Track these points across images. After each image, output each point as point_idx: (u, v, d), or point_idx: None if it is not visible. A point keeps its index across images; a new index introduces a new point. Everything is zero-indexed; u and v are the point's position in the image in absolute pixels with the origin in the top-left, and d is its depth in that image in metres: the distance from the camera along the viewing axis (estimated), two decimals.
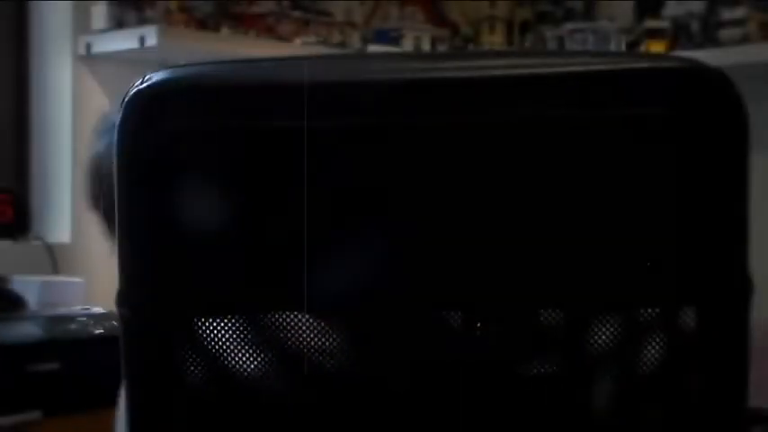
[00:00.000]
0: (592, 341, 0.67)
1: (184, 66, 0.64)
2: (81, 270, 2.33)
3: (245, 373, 0.68)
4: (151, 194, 0.65)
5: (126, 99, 0.63)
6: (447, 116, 0.63)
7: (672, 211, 0.65)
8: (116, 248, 1.05)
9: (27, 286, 2.12)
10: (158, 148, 0.64)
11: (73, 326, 1.94)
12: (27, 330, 2.04)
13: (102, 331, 1.91)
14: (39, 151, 2.54)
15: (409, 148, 0.64)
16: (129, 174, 0.64)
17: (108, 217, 1.08)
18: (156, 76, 0.63)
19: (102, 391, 1.74)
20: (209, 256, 0.66)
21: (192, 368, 0.68)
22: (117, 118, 0.63)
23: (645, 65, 0.64)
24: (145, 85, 0.63)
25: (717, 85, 0.63)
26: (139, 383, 0.68)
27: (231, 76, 0.64)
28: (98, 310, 2.01)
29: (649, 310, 0.67)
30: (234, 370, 0.68)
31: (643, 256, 0.65)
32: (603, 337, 0.67)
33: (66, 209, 2.51)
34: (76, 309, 2.05)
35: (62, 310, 2.02)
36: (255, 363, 0.68)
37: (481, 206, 0.65)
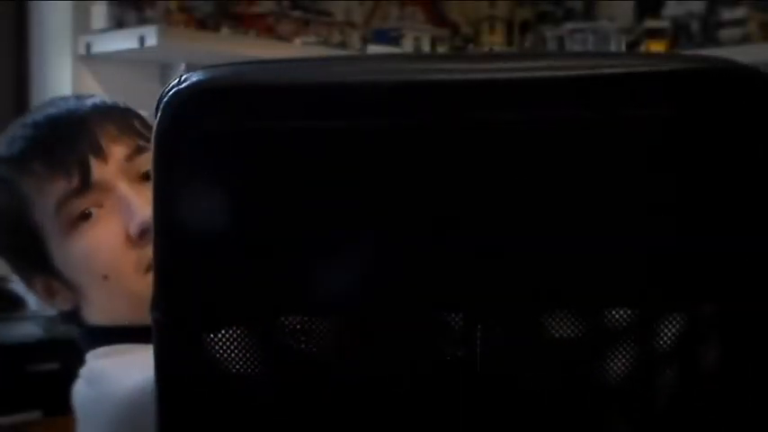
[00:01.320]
0: (653, 341, 0.67)
1: (222, 66, 0.63)
2: None
3: (260, 377, 0.68)
4: (188, 196, 0.64)
5: (165, 99, 0.62)
6: (454, 117, 0.63)
7: (697, 210, 0.65)
8: (32, 285, 1.00)
9: None
10: (196, 150, 0.63)
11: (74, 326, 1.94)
12: (27, 330, 2.04)
13: None
14: None
15: (406, 150, 0.64)
16: (166, 175, 0.63)
17: (10, 257, 0.99)
18: (194, 76, 0.62)
19: None
20: (245, 259, 0.65)
21: (217, 372, 0.67)
22: (155, 119, 0.62)
23: (683, 66, 0.64)
24: (183, 85, 0.61)
25: (748, 84, 0.63)
26: (172, 386, 0.68)
27: (268, 77, 0.63)
28: None
29: (707, 310, 0.67)
30: (250, 373, 0.68)
31: (666, 257, 0.65)
32: (662, 337, 0.67)
33: None
34: None
35: None
36: (272, 366, 0.68)
37: (489, 207, 0.65)
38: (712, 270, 0.65)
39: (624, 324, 0.67)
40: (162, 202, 0.63)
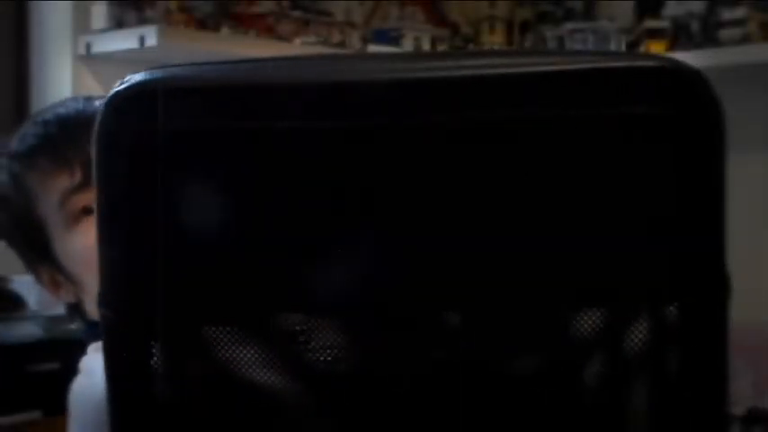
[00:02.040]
0: (573, 337, 0.67)
1: (165, 67, 0.65)
2: None
3: (229, 376, 0.68)
4: (129, 195, 0.66)
5: (105, 101, 0.64)
6: (429, 116, 0.63)
7: (648, 209, 0.65)
8: (40, 274, 1.05)
9: (27, 286, 2.12)
10: (132, 149, 0.65)
11: (73, 326, 1.94)
12: (27, 330, 2.04)
13: None
14: None
15: (399, 149, 0.64)
16: (106, 174, 0.65)
17: (18, 248, 1.06)
18: (134, 78, 0.64)
19: None
20: (187, 257, 0.66)
21: (172, 370, 0.68)
22: (96, 119, 0.64)
23: (620, 64, 0.64)
24: (123, 86, 0.64)
25: (693, 83, 0.63)
26: (121, 385, 0.69)
27: (208, 78, 0.65)
28: None
29: (631, 307, 0.67)
30: (218, 372, 0.68)
31: (620, 252, 0.65)
32: (586, 332, 0.67)
33: None
34: None
35: (62, 310, 2.01)
36: (242, 365, 0.68)
37: (463, 205, 0.65)
38: (687, 269, 0.65)
39: (597, 324, 0.67)
40: (100, 197, 0.65)
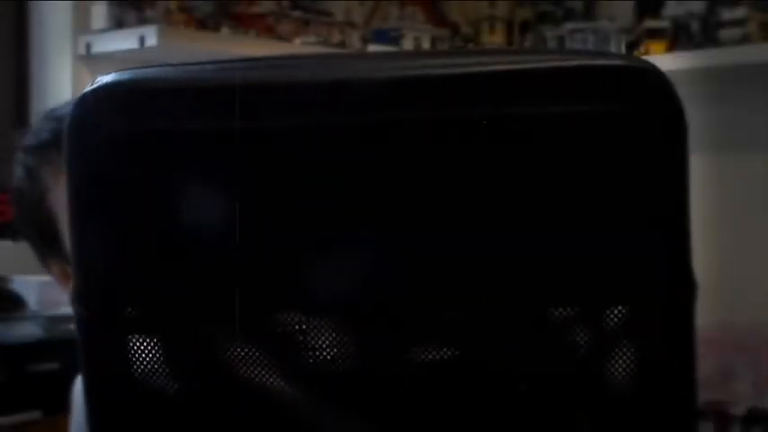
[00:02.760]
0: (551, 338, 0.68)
1: (135, 69, 0.66)
2: None
3: (205, 377, 0.69)
4: (98, 195, 0.67)
5: (75, 102, 0.65)
6: (424, 113, 0.64)
7: (609, 209, 0.65)
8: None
9: (27, 286, 2.12)
10: (99, 151, 0.66)
11: (73, 326, 1.94)
12: (27, 330, 2.04)
13: None
14: None
15: (397, 147, 0.64)
16: (74, 174, 0.66)
17: (31, 240, 1.08)
18: (103, 79, 0.65)
19: None
20: (158, 256, 0.67)
21: (150, 369, 0.68)
22: (66, 120, 0.65)
23: (575, 63, 0.64)
24: (91, 88, 0.65)
25: (653, 81, 0.63)
26: (97, 385, 0.69)
27: (168, 79, 0.66)
28: None
29: (585, 309, 0.67)
30: (211, 371, 0.69)
31: (581, 253, 0.65)
32: (557, 333, 0.68)
33: None
34: None
35: (62, 310, 2.01)
36: (221, 363, 0.68)
37: (456, 203, 0.65)
38: (649, 270, 0.65)
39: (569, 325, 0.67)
40: (72, 202, 0.66)
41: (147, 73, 0.65)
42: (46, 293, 2.11)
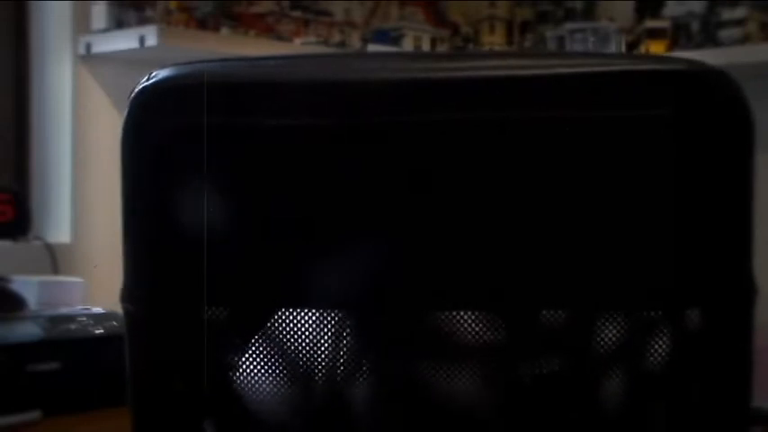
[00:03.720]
0: (595, 342, 0.67)
1: (190, 63, 0.65)
2: (81, 270, 2.33)
3: (250, 373, 0.68)
4: (153, 190, 0.66)
5: (131, 96, 0.64)
6: (444, 115, 0.63)
7: (675, 213, 0.64)
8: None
9: (27, 286, 2.12)
10: (160, 145, 0.65)
11: (73, 326, 1.94)
12: (27, 330, 2.04)
13: (102, 331, 1.91)
14: (39, 151, 2.54)
15: (399, 148, 0.64)
16: (132, 169, 0.65)
17: None
18: (161, 73, 0.64)
19: (102, 391, 1.73)
20: (209, 252, 0.66)
21: (197, 364, 0.68)
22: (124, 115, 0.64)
23: (647, 66, 0.64)
24: (150, 81, 0.63)
25: (720, 86, 0.63)
26: (144, 381, 0.69)
27: (234, 74, 0.65)
28: (98, 310, 2.01)
29: (654, 312, 0.67)
30: (238, 368, 0.68)
31: (646, 257, 0.65)
32: (607, 337, 0.67)
33: (66, 209, 2.51)
34: (76, 309, 2.04)
35: (62, 310, 2.01)
36: (259, 360, 0.68)
37: (482, 206, 0.65)
38: (716, 273, 0.65)
39: (628, 325, 0.67)
40: (128, 196, 0.66)
41: (203, 68, 0.65)
42: (46, 293, 2.11)
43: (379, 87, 0.63)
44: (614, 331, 0.66)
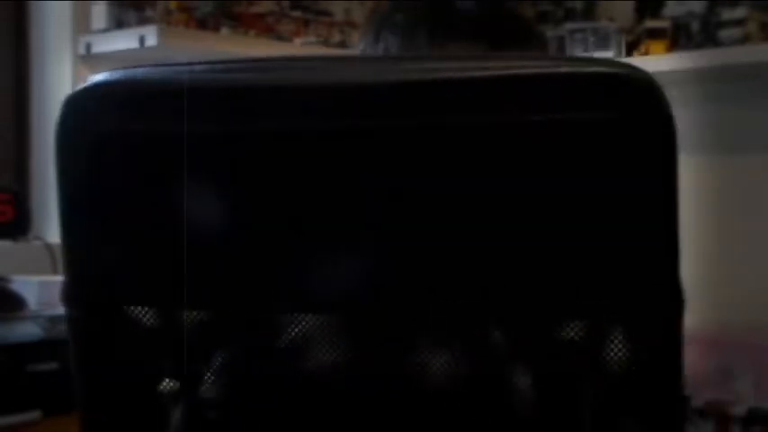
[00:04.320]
0: (531, 351, 0.67)
1: (126, 68, 0.66)
2: None
3: (207, 373, 0.68)
4: (87, 192, 0.67)
5: (65, 100, 0.65)
6: (419, 118, 0.63)
7: (601, 218, 0.64)
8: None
9: (27, 286, 2.12)
10: (89, 149, 0.66)
11: None
12: (27, 330, 2.04)
13: None
14: (39, 151, 2.54)
15: (390, 150, 0.64)
16: (64, 171, 0.67)
17: None
18: (95, 78, 0.65)
19: None
20: (140, 252, 0.67)
21: (142, 366, 0.68)
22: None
23: (566, 69, 0.63)
24: (82, 87, 0.65)
25: (643, 90, 0.62)
26: (92, 384, 0.69)
27: (165, 80, 0.66)
28: None
29: (580, 322, 0.66)
30: (195, 369, 0.69)
31: (567, 265, 0.64)
32: (540, 345, 0.67)
33: None
34: None
35: (62, 310, 2.01)
36: (218, 362, 0.68)
37: (449, 206, 0.65)
38: (640, 282, 0.64)
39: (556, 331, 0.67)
40: (61, 198, 0.66)
41: (136, 73, 0.65)
42: (46, 293, 2.11)
43: (366, 90, 0.63)
44: (543, 339, 0.66)
